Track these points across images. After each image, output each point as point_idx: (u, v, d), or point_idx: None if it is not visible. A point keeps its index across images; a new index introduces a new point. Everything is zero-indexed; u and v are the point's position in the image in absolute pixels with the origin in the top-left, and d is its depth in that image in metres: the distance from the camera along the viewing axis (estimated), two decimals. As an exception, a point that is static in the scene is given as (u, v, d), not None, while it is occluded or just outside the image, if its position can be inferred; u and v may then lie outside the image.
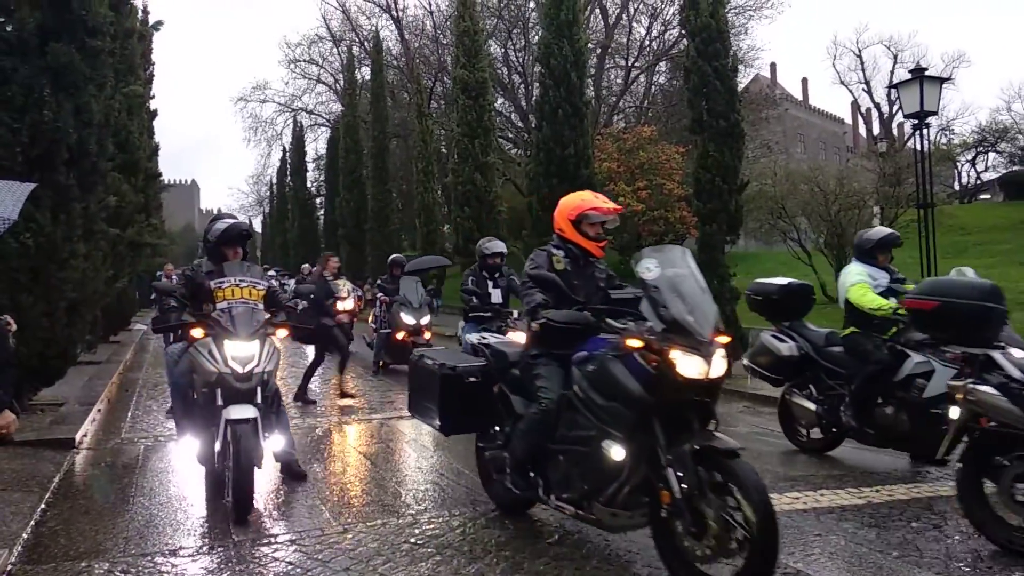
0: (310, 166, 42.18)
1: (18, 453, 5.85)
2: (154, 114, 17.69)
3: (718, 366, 3.41)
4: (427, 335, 10.93)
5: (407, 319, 10.64)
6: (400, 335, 10.71)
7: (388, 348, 11.09)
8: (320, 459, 6.25)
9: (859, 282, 5.79)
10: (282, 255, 42.01)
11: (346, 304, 9.17)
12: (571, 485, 3.83)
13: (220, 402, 4.64)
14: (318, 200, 41.93)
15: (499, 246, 8.33)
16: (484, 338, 5.08)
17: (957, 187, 41.36)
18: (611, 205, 4.27)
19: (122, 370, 11.75)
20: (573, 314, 3.93)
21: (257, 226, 56.09)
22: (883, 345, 5.68)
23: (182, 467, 5.94)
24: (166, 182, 26.40)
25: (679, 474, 3.28)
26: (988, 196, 39.07)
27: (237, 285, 4.95)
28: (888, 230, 6.33)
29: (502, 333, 7.12)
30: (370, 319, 12.75)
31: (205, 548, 4.10)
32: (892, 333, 5.69)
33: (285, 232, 42.73)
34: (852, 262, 6.14)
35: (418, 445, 6.78)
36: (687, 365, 3.34)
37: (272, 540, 4.20)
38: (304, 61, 40.09)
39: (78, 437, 6.66)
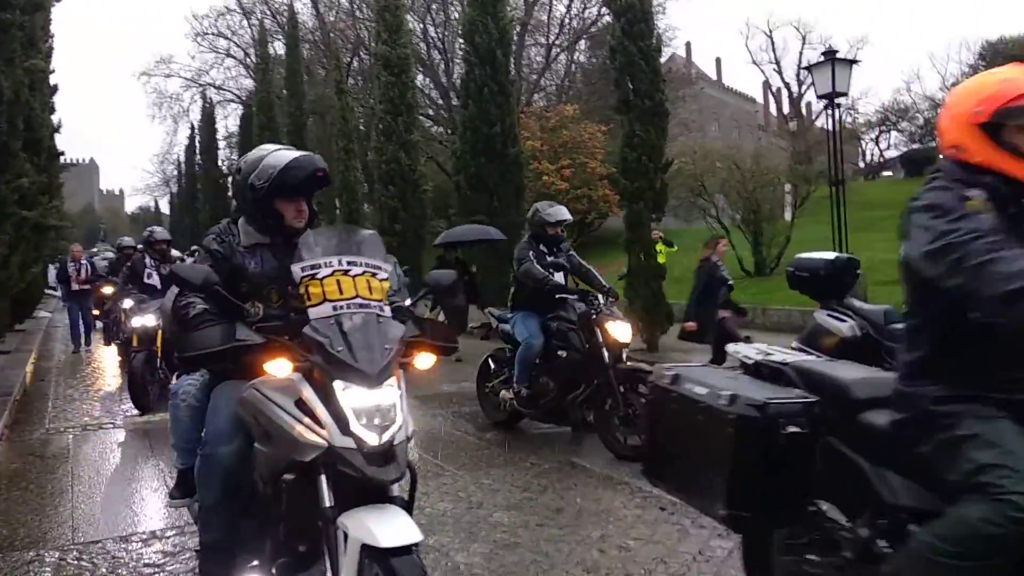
0: (221, 144, 40.65)
1: (-63, 447, 5.58)
2: (55, 89, 16.79)
3: None
4: None
5: None
6: None
7: None
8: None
9: None
10: (192, 238, 40.49)
11: None
12: None
13: (327, 503, 2.22)
14: (230, 179, 40.56)
15: (564, 212, 6.26)
16: (772, 353, 2.72)
17: (862, 165, 43.42)
18: None
19: (34, 359, 11.23)
20: None
21: (164, 207, 54.02)
22: None
23: (117, 456, 5.80)
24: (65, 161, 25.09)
25: None
26: (891, 173, 41.11)
27: (345, 272, 2.44)
28: None
29: (581, 326, 5.78)
30: None
31: (161, 532, 4.04)
32: None
33: (195, 213, 41.10)
34: None
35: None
36: None
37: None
38: (212, 34, 38.50)
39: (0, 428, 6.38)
